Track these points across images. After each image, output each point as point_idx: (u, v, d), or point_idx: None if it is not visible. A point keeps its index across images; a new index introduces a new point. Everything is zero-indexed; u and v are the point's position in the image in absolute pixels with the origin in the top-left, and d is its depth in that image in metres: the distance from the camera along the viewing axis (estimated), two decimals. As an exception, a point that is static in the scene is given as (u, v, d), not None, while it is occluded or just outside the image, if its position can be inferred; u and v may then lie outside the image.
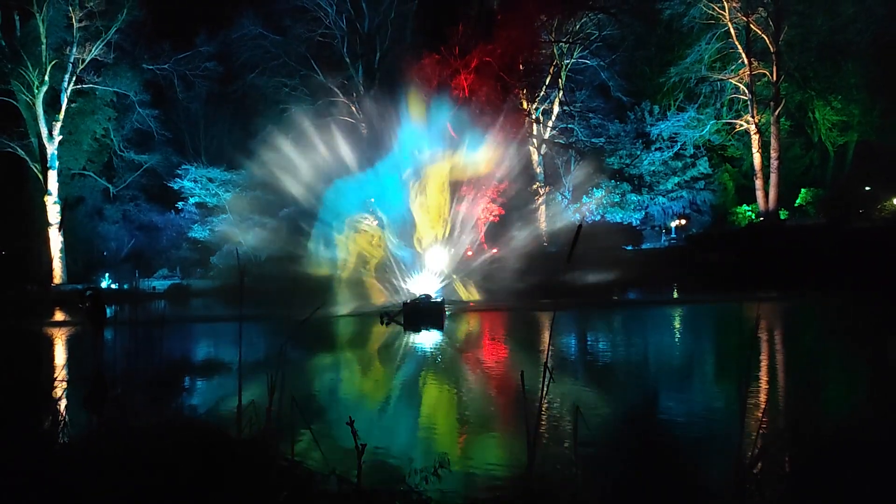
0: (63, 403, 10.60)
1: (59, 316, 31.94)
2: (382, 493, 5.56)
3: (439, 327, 21.56)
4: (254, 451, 5.59)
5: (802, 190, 49.60)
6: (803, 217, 47.34)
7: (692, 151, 51.26)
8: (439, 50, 44.24)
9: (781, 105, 47.54)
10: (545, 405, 9.67)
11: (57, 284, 47.48)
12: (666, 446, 7.79)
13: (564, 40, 49.99)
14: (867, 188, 45.45)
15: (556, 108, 51.44)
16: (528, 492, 4.23)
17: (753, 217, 49.01)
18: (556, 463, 6.45)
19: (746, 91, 48.36)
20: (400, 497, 5.62)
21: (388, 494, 5.57)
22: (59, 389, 11.64)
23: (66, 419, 9.41)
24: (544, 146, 51.38)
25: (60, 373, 13.83)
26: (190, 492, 4.85)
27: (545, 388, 4.09)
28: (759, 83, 48.60)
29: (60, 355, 17.87)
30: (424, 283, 26.42)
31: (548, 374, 4.12)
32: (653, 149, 51.35)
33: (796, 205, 49.27)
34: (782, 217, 47.58)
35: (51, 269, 48.34)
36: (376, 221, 41.31)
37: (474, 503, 5.48)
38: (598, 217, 50.23)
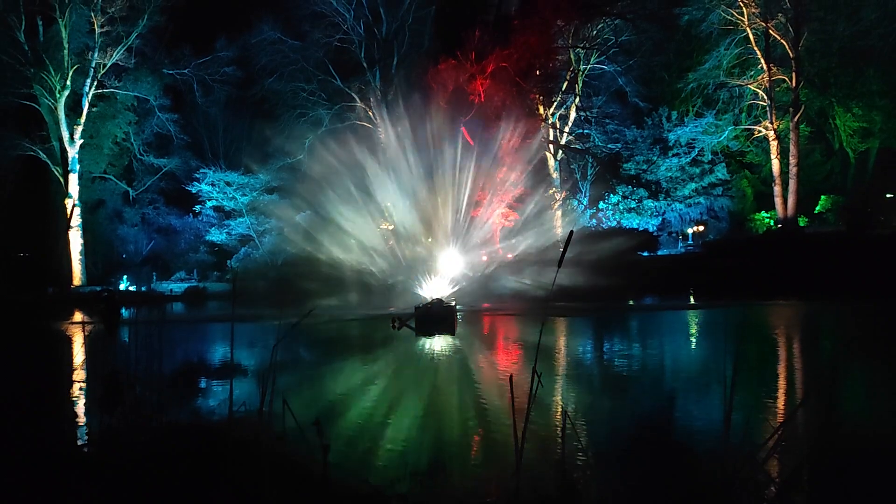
0: (75, 404, 10.74)
1: (77, 317, 32.32)
2: (374, 497, 5.56)
3: (451, 332, 21.52)
4: (251, 452, 5.62)
5: (822, 197, 49.09)
6: (823, 224, 46.81)
7: (710, 157, 50.95)
8: (456, 55, 44.30)
9: (801, 111, 47.10)
10: (559, 411, 9.64)
11: (76, 286, 48.14)
12: (662, 451, 7.72)
13: (581, 46, 49.91)
14: (889, 195, 44.86)
15: (572, 114, 51.34)
16: (515, 495, 4.22)
17: (772, 224, 48.56)
18: (552, 468, 6.43)
19: (765, 97, 47.97)
20: (393, 500, 5.61)
21: (381, 498, 5.57)
22: (75, 390, 11.80)
23: (76, 420, 9.54)
24: (560, 151, 51.28)
25: (75, 374, 14.00)
26: (188, 494, 4.89)
27: (534, 393, 4.07)
28: (778, 89, 48.18)
29: (75, 356, 18.07)
30: (437, 287, 26.40)
31: (536, 379, 4.10)
32: (670, 154, 51.11)
33: (816, 212, 48.77)
34: (801, 224, 47.09)
35: (71, 271, 49.02)
36: (391, 226, 41.45)
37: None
38: (615, 223, 50.02)
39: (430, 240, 36.73)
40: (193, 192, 53.73)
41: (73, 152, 48.95)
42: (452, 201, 36.96)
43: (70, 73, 47.86)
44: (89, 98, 49.56)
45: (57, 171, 49.88)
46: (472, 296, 31.24)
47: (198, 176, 53.53)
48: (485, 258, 39.83)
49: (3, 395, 11.29)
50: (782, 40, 46.73)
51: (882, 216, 43.95)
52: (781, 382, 12.19)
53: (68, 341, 22.28)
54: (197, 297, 45.69)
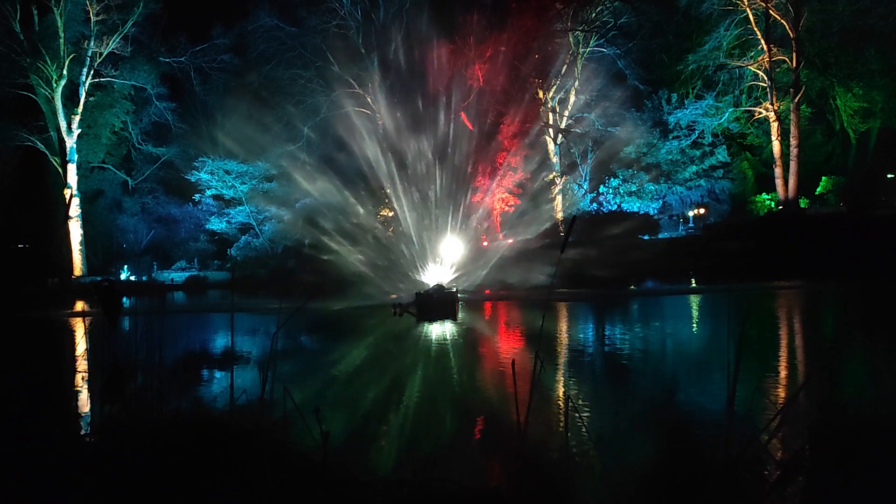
0: (76, 395, 10.73)
1: (78, 307, 32.33)
2: (378, 482, 5.54)
3: (453, 318, 21.53)
4: (252, 441, 5.60)
5: (823, 178, 48.95)
6: (824, 205, 46.71)
7: (710, 140, 50.75)
8: (454, 40, 44.08)
9: (801, 92, 46.85)
10: (562, 395, 9.64)
11: (77, 276, 48.16)
12: (665, 433, 7.72)
13: (580, 29, 49.56)
14: (890, 175, 44.71)
15: (572, 97, 51.05)
16: (518, 479, 4.21)
17: (773, 206, 48.46)
18: (556, 451, 6.43)
19: (766, 78, 47.71)
20: (398, 485, 5.60)
21: (384, 482, 5.55)
22: (76, 381, 11.80)
23: (78, 411, 9.53)
24: (560, 135, 51.08)
25: (76, 364, 14.01)
26: (190, 484, 4.88)
27: (536, 377, 4.04)
28: (778, 70, 47.91)
29: (76, 346, 18.08)
30: (437, 273, 26.39)
31: (538, 363, 4.07)
32: (670, 137, 50.92)
33: (817, 193, 48.66)
34: (802, 205, 46.99)
35: (71, 262, 49.03)
36: (391, 212, 41.38)
37: (469, 490, 5.47)
38: (615, 206, 49.91)
39: (430, 226, 36.63)
40: (192, 180, 53.50)
41: (71, 142, 48.79)
42: (452, 187, 36.87)
43: (66, 63, 47.62)
44: (86, 87, 49.34)
45: (55, 161, 49.75)
46: (472, 281, 31.20)
47: (196, 164, 53.29)
48: (485, 244, 39.79)
49: (4, 386, 11.29)
50: (782, 20, 46.40)
51: (883, 196, 43.82)
52: (784, 364, 12.18)
53: (69, 332, 22.29)
54: (197, 286, 45.71)
